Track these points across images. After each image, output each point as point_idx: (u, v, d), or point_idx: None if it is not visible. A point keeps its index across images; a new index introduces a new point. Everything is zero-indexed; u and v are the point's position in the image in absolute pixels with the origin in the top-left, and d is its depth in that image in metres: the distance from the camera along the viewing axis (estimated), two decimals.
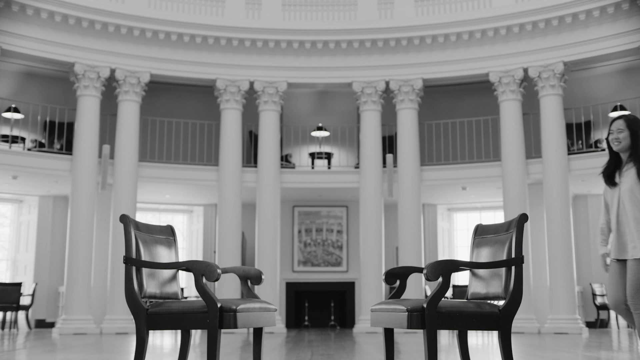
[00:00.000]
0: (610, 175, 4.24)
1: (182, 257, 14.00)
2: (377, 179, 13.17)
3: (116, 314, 12.07)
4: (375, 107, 13.35)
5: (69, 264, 12.21)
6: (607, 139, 4.26)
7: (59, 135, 13.40)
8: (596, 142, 13.44)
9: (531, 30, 12.63)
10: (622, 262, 4.06)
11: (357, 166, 13.98)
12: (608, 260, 4.17)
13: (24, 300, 12.89)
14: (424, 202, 14.51)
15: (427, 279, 3.17)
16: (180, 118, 14.24)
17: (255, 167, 13.49)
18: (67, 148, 13.09)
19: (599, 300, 13.46)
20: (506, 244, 3.39)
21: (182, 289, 11.22)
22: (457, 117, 14.22)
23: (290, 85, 13.61)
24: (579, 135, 13.54)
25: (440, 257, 14.69)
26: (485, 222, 3.90)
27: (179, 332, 10.01)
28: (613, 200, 4.17)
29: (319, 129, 14.35)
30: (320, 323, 14.85)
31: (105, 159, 12.63)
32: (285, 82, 13.40)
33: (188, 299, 3.95)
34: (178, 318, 3.17)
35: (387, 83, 13.35)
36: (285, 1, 13.58)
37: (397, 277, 3.77)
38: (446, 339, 9.42)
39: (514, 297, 3.23)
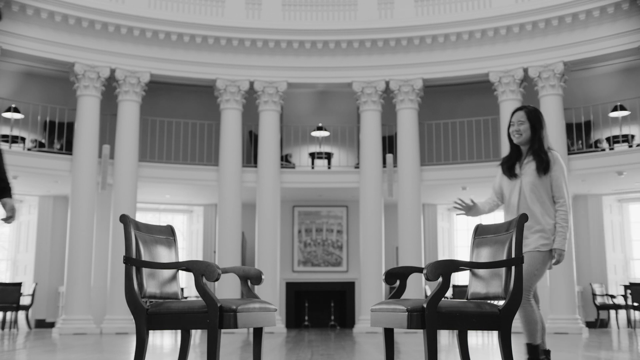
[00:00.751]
0: (510, 167, 4.23)
1: (182, 257, 13.99)
2: (377, 179, 13.17)
3: (116, 314, 12.07)
4: (375, 107, 13.35)
5: (69, 264, 12.21)
6: (508, 130, 4.23)
7: (59, 135, 13.40)
8: (596, 142, 13.44)
9: (531, 30, 12.62)
10: None
11: (357, 166, 13.98)
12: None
13: (24, 300, 12.89)
14: (424, 202, 14.51)
15: (427, 279, 3.17)
16: (180, 118, 14.24)
17: (255, 167, 13.49)
18: (67, 148, 13.09)
19: (599, 300, 13.46)
20: (506, 244, 3.39)
21: (182, 289, 11.22)
22: (457, 117, 14.21)
23: (290, 85, 13.61)
24: (579, 135, 13.54)
25: (440, 257, 14.69)
26: (485, 222, 3.89)
27: (179, 332, 10.00)
28: (512, 193, 4.14)
29: (319, 129, 14.35)
30: (320, 323, 14.84)
31: (105, 159, 12.63)
32: (285, 82, 13.39)
33: (188, 299, 3.95)
34: (178, 318, 3.17)
35: (387, 83, 13.35)
36: (285, 1, 13.58)
37: (397, 277, 3.77)
38: (446, 339, 9.41)
39: (514, 297, 3.23)
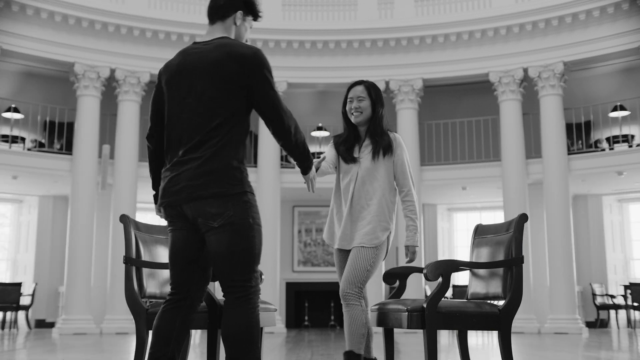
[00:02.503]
0: (349, 149, 3.61)
1: None
2: None
3: (116, 314, 12.06)
4: None
5: (69, 264, 12.20)
6: (343, 108, 3.66)
7: (59, 135, 13.40)
8: (596, 142, 13.44)
9: (531, 30, 12.62)
10: (346, 252, 3.61)
11: None
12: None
13: (24, 300, 12.89)
14: (424, 202, 14.50)
15: (427, 279, 3.17)
16: None
17: (255, 166, 13.49)
18: (67, 148, 13.09)
19: (599, 300, 13.46)
20: (506, 244, 3.39)
21: None
22: (457, 117, 14.21)
23: (290, 85, 13.61)
24: (579, 135, 13.54)
25: (440, 257, 14.69)
26: (485, 222, 3.89)
27: None
28: (349, 179, 3.57)
29: (319, 129, 14.35)
30: (320, 323, 14.84)
31: (105, 158, 12.63)
32: (285, 82, 13.39)
33: None
34: None
35: (387, 83, 13.35)
36: (285, 1, 13.58)
37: (397, 277, 3.78)
38: (446, 339, 9.42)
39: (514, 297, 3.23)
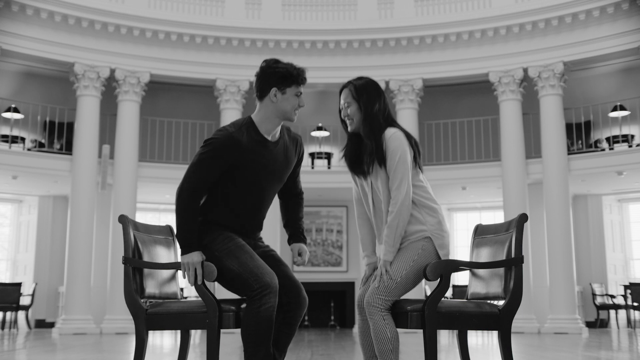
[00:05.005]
0: (356, 161, 3.24)
1: None
2: None
3: (116, 314, 12.06)
4: None
5: (68, 264, 12.20)
6: (340, 117, 3.35)
7: (58, 135, 13.39)
8: (596, 142, 13.44)
9: (531, 30, 12.62)
10: None
11: None
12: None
13: (24, 300, 12.89)
14: None
15: (427, 278, 3.16)
16: (180, 118, 14.24)
17: None
18: (67, 148, 13.08)
19: (598, 300, 13.46)
20: (506, 244, 3.38)
21: (181, 289, 11.21)
22: (457, 117, 14.21)
23: None
24: (578, 135, 13.54)
25: None
26: (485, 222, 3.88)
27: (178, 332, 10.00)
28: (368, 192, 3.25)
29: (319, 129, 14.35)
30: (320, 323, 14.85)
31: (105, 159, 12.62)
32: None
33: (187, 299, 3.94)
34: (177, 318, 3.17)
35: (387, 83, 13.34)
36: (285, 1, 13.58)
37: None
38: (446, 339, 9.41)
39: (514, 297, 3.23)
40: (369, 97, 3.22)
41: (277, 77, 3.06)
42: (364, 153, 3.20)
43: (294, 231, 3.41)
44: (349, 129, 3.27)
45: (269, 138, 3.16)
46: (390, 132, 3.16)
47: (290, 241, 3.41)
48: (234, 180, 3.12)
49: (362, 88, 3.24)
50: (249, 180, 3.12)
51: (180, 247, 3.08)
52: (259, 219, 3.29)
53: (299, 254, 3.33)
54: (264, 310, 2.98)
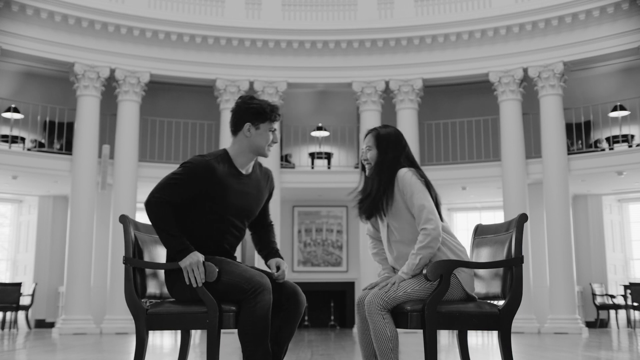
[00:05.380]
0: (371, 203, 3.36)
1: None
2: None
3: (116, 314, 12.06)
4: (375, 107, 13.34)
5: (68, 264, 12.20)
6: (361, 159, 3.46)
7: (58, 135, 13.39)
8: (596, 142, 13.45)
9: (531, 30, 12.62)
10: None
11: (357, 166, 13.97)
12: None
13: (24, 300, 12.89)
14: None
15: (427, 279, 3.17)
16: (180, 118, 14.24)
17: None
18: (67, 148, 13.08)
19: (598, 300, 13.46)
20: (506, 244, 3.38)
21: None
22: (457, 117, 14.21)
23: (290, 85, 13.61)
24: (578, 135, 13.54)
25: None
26: (485, 222, 3.88)
27: (178, 332, 10.00)
28: (383, 230, 3.44)
29: (319, 129, 14.35)
30: (320, 323, 14.84)
31: (105, 159, 12.62)
32: (285, 82, 13.39)
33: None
34: (178, 318, 3.17)
35: (387, 83, 13.35)
36: (285, 1, 13.58)
37: None
38: (446, 339, 9.41)
39: (514, 297, 3.23)
40: (389, 145, 3.33)
41: (251, 113, 3.19)
42: (377, 193, 3.31)
43: (269, 251, 3.45)
44: (367, 172, 3.39)
45: (243, 172, 3.26)
46: (403, 171, 3.28)
47: (267, 259, 3.44)
48: (203, 210, 3.19)
49: (385, 136, 3.35)
50: (217, 212, 3.19)
51: (175, 256, 3.09)
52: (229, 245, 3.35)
53: (277, 268, 3.34)
54: (259, 309, 3.00)
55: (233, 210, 3.21)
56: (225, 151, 3.25)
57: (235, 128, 3.23)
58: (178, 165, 3.19)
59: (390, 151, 3.32)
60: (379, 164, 3.32)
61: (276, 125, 3.25)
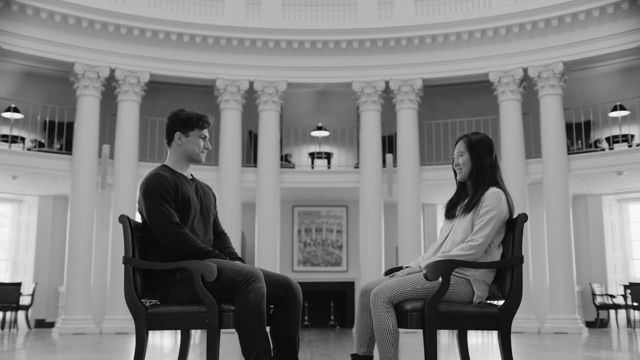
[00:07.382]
0: (452, 207, 3.51)
1: None
2: (377, 179, 13.17)
3: (116, 314, 12.06)
4: (375, 107, 13.35)
5: (68, 264, 12.20)
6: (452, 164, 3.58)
7: (58, 135, 13.39)
8: (596, 142, 13.45)
9: (531, 30, 12.62)
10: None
11: (356, 166, 13.98)
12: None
13: (24, 300, 12.89)
14: (424, 202, 14.50)
15: (427, 279, 3.17)
16: None
17: (255, 167, 13.49)
18: (67, 148, 13.08)
19: (598, 300, 13.46)
20: (506, 244, 3.39)
21: None
22: (457, 117, 14.21)
23: (290, 85, 13.61)
24: (578, 135, 13.54)
25: None
26: None
27: (178, 332, 10.00)
28: (442, 235, 3.50)
29: (319, 129, 14.35)
30: (320, 323, 14.85)
31: (105, 158, 12.62)
32: (285, 82, 13.39)
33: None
34: (177, 318, 3.17)
35: (387, 83, 13.35)
36: (285, 1, 13.58)
37: None
38: (446, 339, 9.41)
39: (514, 297, 3.23)
40: (481, 151, 3.43)
41: (180, 122, 3.44)
42: (462, 199, 3.47)
43: (229, 256, 3.52)
44: (458, 177, 3.50)
45: (187, 176, 3.49)
46: (492, 191, 3.35)
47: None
48: (182, 216, 3.37)
49: (476, 142, 3.45)
50: (192, 211, 3.36)
51: (203, 256, 3.23)
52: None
53: None
54: (253, 296, 3.07)
55: (199, 207, 3.41)
56: (163, 165, 3.46)
57: (169, 139, 3.46)
58: (141, 195, 3.31)
59: (486, 156, 3.42)
60: (478, 170, 3.41)
61: (206, 132, 3.48)
